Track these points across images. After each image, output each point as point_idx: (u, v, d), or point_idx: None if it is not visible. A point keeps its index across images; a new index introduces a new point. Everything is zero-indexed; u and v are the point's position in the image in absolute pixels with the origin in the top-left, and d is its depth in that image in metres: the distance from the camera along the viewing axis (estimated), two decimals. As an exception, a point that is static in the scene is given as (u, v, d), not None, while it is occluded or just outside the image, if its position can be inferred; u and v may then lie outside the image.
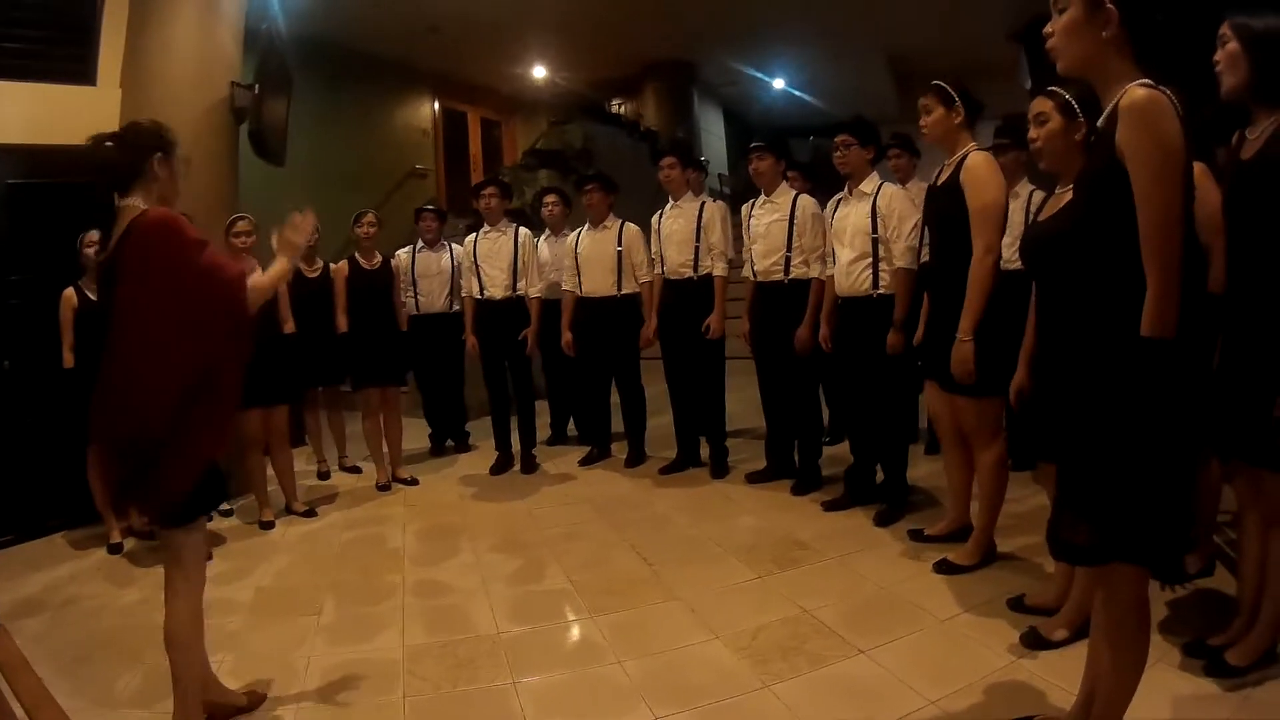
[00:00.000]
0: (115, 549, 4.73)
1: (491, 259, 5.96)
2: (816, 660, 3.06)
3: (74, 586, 4.30)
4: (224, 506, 5.20)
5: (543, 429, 6.69)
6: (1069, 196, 2.40)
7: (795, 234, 4.94)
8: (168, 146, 2.64)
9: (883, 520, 4.48)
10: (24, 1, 5.37)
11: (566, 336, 6.03)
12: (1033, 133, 2.83)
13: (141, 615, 3.77)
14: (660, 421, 6.17)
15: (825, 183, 5.46)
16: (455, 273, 6.44)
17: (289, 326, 5.23)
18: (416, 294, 6.42)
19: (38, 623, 3.84)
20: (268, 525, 5.07)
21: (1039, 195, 4.16)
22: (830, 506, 4.76)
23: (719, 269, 5.45)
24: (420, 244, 6.51)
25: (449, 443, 7.01)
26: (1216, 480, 3.26)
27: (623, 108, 16.34)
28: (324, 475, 6.29)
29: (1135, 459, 1.88)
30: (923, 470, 5.24)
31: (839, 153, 4.56)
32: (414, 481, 5.99)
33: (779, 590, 3.74)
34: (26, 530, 5.05)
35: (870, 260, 4.43)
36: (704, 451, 5.82)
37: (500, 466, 6.14)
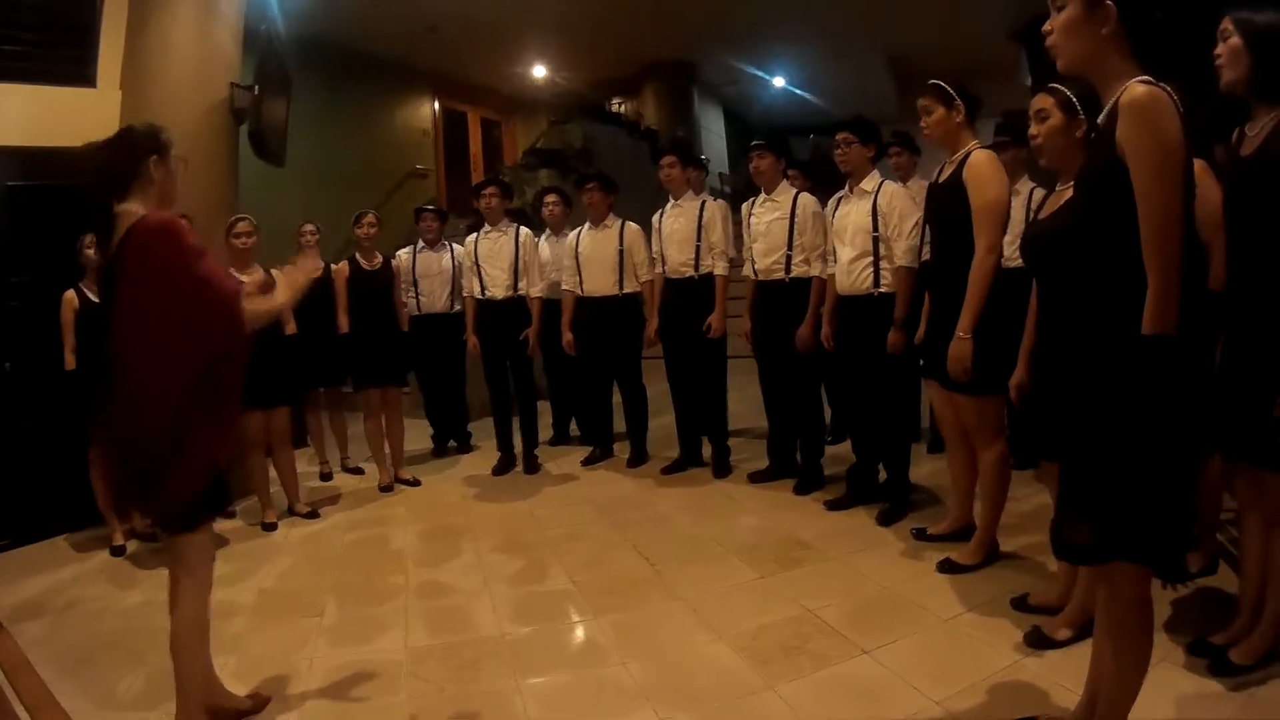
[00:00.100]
0: (118, 551, 4.73)
1: (492, 259, 5.96)
2: (819, 660, 3.06)
3: (76, 589, 4.30)
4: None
5: (545, 429, 6.69)
6: (1069, 194, 2.40)
7: (796, 232, 4.93)
8: (163, 148, 2.62)
9: (885, 519, 4.47)
10: (24, 3, 5.36)
11: (567, 336, 6.03)
12: (1033, 130, 2.83)
13: (144, 618, 3.77)
14: (662, 421, 6.16)
15: (826, 181, 5.46)
16: (456, 273, 6.43)
17: (290, 327, 5.21)
18: (417, 294, 6.41)
19: (40, 625, 3.84)
20: (270, 527, 5.08)
21: (1039, 193, 4.17)
22: (833, 506, 4.76)
23: (720, 268, 5.45)
24: (421, 244, 6.50)
25: (451, 443, 7.01)
26: (1218, 478, 3.25)
27: (623, 107, 16.34)
28: (326, 476, 6.28)
29: (1137, 457, 1.87)
30: (925, 469, 5.24)
31: (840, 151, 4.55)
32: (416, 482, 5.99)
33: (781, 590, 3.73)
34: (28, 533, 5.05)
35: (871, 259, 4.42)
36: (706, 451, 5.82)
37: (502, 467, 6.14)
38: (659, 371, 5.85)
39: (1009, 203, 3.62)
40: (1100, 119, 1.98)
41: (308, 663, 3.30)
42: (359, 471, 6.38)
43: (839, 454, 5.48)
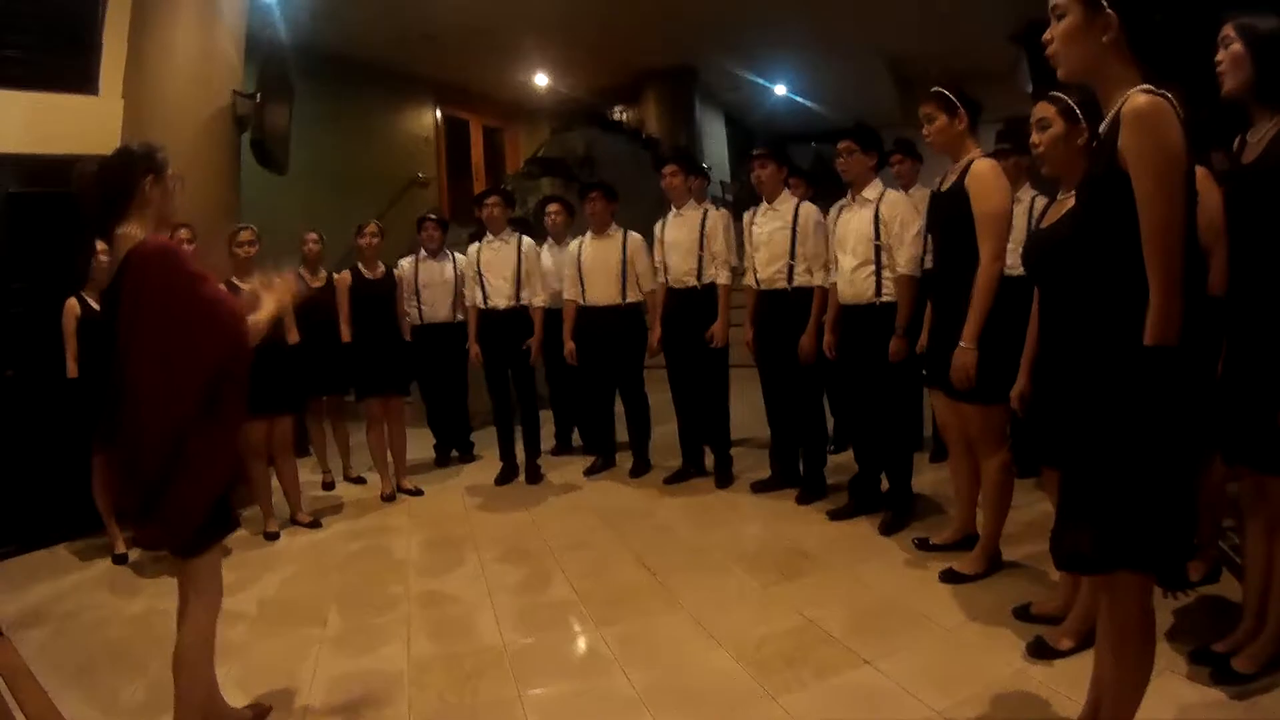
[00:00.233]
0: (120, 559, 4.73)
1: (495, 268, 5.95)
2: (822, 670, 3.05)
3: (78, 597, 4.30)
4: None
5: (547, 439, 6.68)
6: (1071, 203, 2.40)
7: (798, 242, 4.93)
8: (159, 168, 2.60)
9: (888, 529, 4.46)
10: (26, 11, 5.37)
11: (569, 346, 6.02)
12: (1035, 138, 2.84)
13: (146, 626, 3.78)
14: (664, 430, 6.15)
15: (827, 189, 5.46)
16: (458, 282, 6.43)
17: (293, 337, 5.22)
18: (420, 304, 6.41)
19: (41, 633, 3.84)
20: (272, 536, 5.07)
21: (1041, 200, 4.18)
22: (835, 515, 4.75)
23: (723, 277, 5.44)
24: (423, 253, 6.49)
25: (453, 453, 6.99)
26: (1220, 485, 3.25)
27: (624, 115, 16.35)
28: (329, 486, 6.28)
29: (1138, 465, 1.87)
30: (927, 478, 5.22)
31: (841, 159, 4.54)
32: (418, 492, 5.98)
33: (784, 599, 3.73)
34: (29, 540, 5.05)
35: (873, 267, 4.41)
36: (708, 460, 5.81)
37: (505, 476, 6.12)
38: (661, 380, 5.84)
39: (1011, 211, 3.62)
40: (1102, 128, 1.98)
41: (310, 672, 3.31)
42: (361, 481, 6.37)
43: (841, 463, 5.48)
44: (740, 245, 5.59)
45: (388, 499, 5.84)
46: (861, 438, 4.87)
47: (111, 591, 4.35)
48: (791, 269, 4.96)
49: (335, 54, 10.96)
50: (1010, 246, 3.62)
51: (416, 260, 6.48)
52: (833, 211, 4.76)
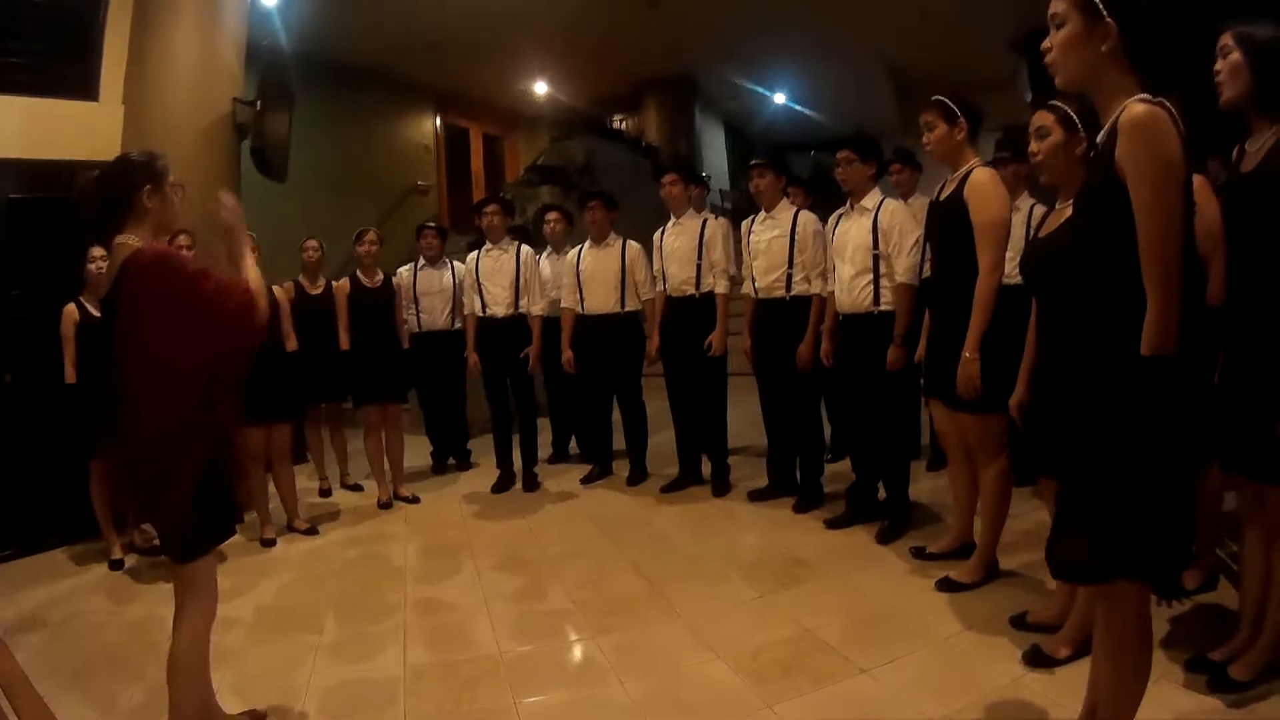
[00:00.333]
0: (116, 565, 4.72)
1: (494, 277, 5.96)
2: (818, 679, 3.04)
3: (75, 602, 4.29)
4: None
5: (544, 447, 6.67)
6: (1069, 212, 2.41)
7: (796, 250, 4.94)
8: (157, 177, 2.59)
9: (885, 537, 4.45)
10: (27, 16, 5.39)
11: (567, 354, 6.02)
12: (1033, 146, 2.85)
13: (144, 631, 3.77)
14: (662, 439, 6.15)
15: (826, 198, 5.46)
16: (457, 290, 6.43)
17: (291, 344, 5.23)
18: (418, 312, 6.42)
19: (39, 637, 3.83)
20: (269, 543, 5.06)
21: (1040, 209, 4.17)
22: (832, 524, 4.74)
23: (721, 286, 5.44)
24: (422, 261, 6.51)
25: (450, 460, 7.00)
26: (1217, 493, 3.25)
27: (624, 123, 16.40)
28: (326, 493, 6.27)
29: (1136, 474, 1.87)
30: (925, 486, 5.22)
31: (840, 168, 4.55)
32: (415, 499, 5.97)
33: (781, 608, 3.72)
34: (26, 545, 5.05)
35: (871, 276, 4.42)
36: (706, 469, 5.81)
37: (502, 484, 6.11)
38: (659, 389, 5.84)
39: (1010, 221, 3.62)
40: (1100, 137, 1.99)
41: (306, 679, 3.29)
42: (358, 488, 6.36)
43: (838, 472, 5.46)
44: (739, 254, 5.59)
45: (385, 506, 5.83)
46: (859, 446, 4.86)
47: (108, 597, 4.34)
48: (790, 278, 4.97)
49: (335, 61, 10.99)
50: (1009, 255, 3.63)
51: (415, 268, 6.49)
52: (831, 220, 4.77)
